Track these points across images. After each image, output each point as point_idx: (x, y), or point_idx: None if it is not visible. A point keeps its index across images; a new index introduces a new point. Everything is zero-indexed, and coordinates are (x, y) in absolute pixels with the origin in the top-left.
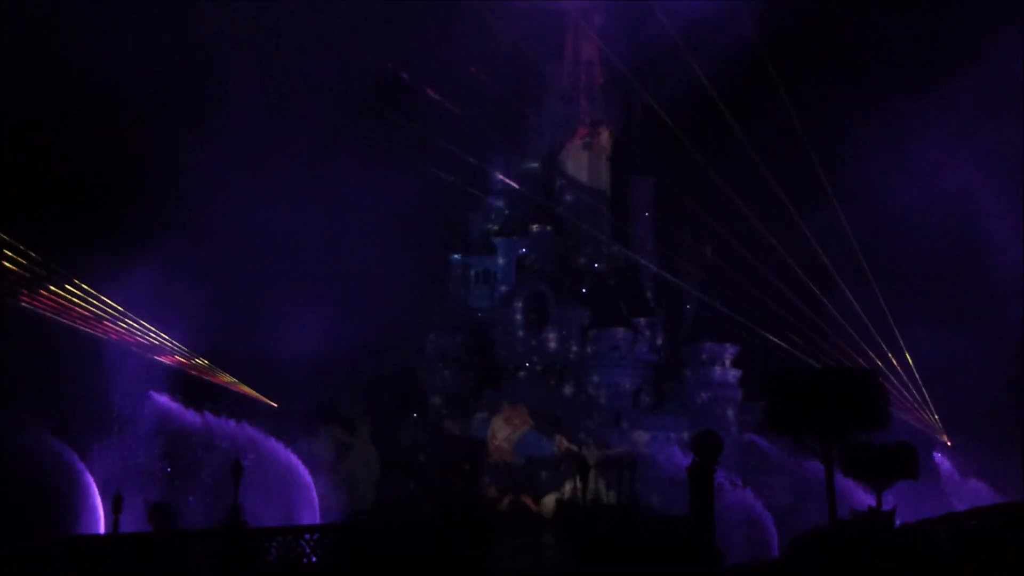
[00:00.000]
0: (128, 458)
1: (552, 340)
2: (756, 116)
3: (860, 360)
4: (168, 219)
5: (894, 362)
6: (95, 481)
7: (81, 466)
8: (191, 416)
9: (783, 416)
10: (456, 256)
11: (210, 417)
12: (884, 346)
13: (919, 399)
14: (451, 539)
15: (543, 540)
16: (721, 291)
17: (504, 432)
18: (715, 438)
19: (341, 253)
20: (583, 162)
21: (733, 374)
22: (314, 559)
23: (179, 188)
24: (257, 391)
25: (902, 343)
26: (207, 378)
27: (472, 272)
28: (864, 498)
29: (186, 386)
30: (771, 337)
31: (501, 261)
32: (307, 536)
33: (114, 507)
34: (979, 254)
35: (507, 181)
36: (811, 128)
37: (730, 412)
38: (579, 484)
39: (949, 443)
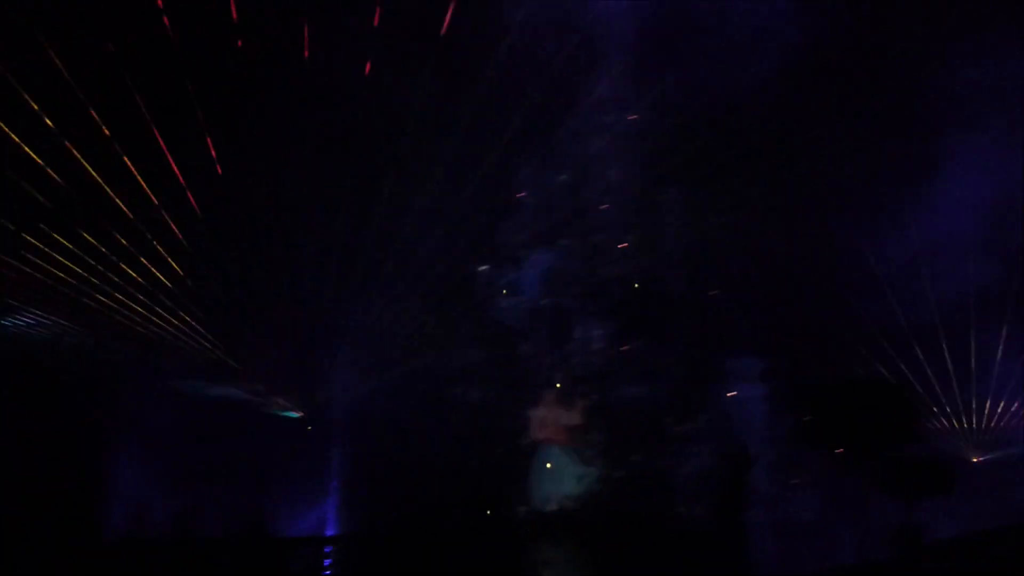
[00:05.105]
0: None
1: (578, 353)
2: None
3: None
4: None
5: (929, 373)
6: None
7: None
8: None
9: (815, 430)
10: (482, 267)
11: None
12: (921, 356)
13: (953, 412)
14: (476, 549)
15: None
16: (751, 302)
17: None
18: (743, 452)
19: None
20: (613, 170)
21: (762, 387)
22: (336, 570)
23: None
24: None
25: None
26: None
27: (498, 284)
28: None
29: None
30: (802, 349)
31: (528, 273)
32: (328, 547)
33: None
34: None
35: (535, 190)
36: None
37: (757, 426)
38: (602, 497)
39: (976, 460)
